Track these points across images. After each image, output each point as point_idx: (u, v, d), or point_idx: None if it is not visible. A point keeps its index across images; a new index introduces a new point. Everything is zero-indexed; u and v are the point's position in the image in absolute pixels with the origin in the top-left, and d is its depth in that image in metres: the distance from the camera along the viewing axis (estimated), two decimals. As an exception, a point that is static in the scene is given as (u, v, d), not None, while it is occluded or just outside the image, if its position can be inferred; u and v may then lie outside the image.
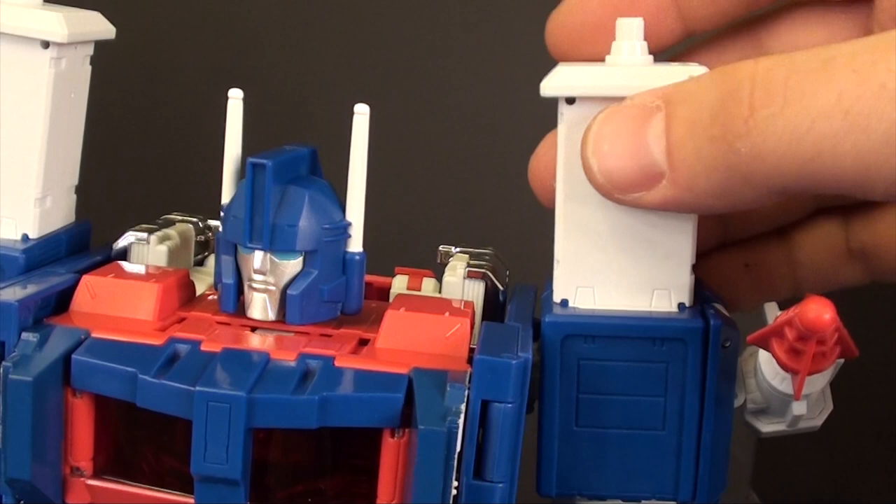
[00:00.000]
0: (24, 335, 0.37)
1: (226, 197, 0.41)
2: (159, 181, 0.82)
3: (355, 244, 0.40)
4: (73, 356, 0.37)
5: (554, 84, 0.39)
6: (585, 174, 0.37)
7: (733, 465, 0.41)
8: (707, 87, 0.35)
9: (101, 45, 0.46)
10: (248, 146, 0.41)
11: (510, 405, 0.35)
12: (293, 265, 0.39)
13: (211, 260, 0.49)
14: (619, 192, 0.37)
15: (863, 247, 0.45)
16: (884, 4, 0.40)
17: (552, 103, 0.40)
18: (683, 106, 0.35)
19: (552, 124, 0.40)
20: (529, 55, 0.48)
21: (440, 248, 0.47)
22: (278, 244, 0.39)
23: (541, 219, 0.43)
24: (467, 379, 0.36)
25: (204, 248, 0.49)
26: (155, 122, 0.83)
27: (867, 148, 0.32)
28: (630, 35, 0.39)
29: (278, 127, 0.55)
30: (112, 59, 0.46)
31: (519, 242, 0.55)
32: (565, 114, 0.39)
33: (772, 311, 0.43)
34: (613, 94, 0.38)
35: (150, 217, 0.48)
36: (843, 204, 0.45)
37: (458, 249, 0.47)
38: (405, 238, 0.68)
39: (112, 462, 0.39)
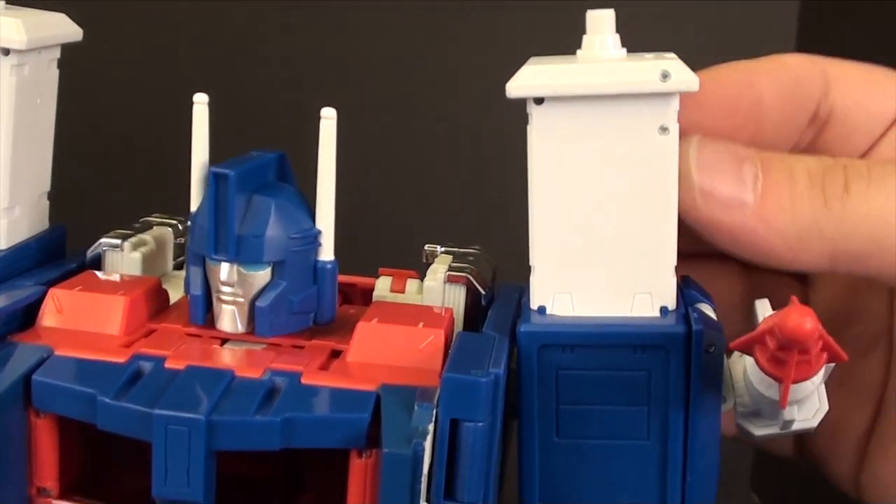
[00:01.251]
0: (-16, 355, 0.36)
1: (194, 205, 0.39)
2: (141, 182, 0.81)
3: (326, 252, 0.39)
4: (33, 377, 0.36)
5: (520, 84, 0.37)
6: (680, 165, 0.38)
7: (733, 465, 0.40)
8: (800, 158, 0.39)
9: (71, 46, 0.44)
10: (221, 151, 0.39)
11: (480, 424, 0.34)
12: (261, 276, 0.38)
13: (188, 265, 0.48)
14: (701, 198, 0.38)
15: None
16: None
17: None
18: (779, 163, 0.39)
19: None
20: (514, 48, 0.47)
21: (426, 247, 0.46)
22: (245, 255, 0.38)
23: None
24: (436, 397, 0.34)
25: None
26: (135, 123, 0.82)
27: None
28: (601, 28, 0.37)
29: (251, 131, 0.54)
30: (86, 60, 0.45)
31: (511, 238, 0.53)
32: (534, 115, 0.37)
33: (762, 309, 0.42)
34: (584, 93, 0.37)
35: (132, 219, 0.47)
36: None
37: (442, 249, 0.45)
38: (394, 235, 0.67)
39: (79, 482, 0.38)
